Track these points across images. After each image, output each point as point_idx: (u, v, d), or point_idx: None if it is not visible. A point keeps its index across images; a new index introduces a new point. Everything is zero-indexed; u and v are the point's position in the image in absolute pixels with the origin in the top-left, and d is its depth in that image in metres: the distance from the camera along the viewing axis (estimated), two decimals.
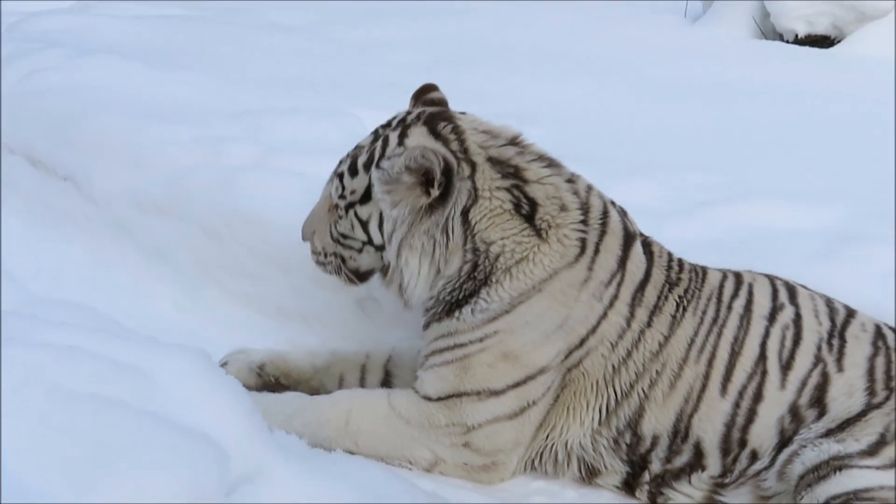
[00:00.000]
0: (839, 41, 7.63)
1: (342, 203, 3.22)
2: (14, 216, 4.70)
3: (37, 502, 2.07)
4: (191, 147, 4.62)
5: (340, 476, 2.66)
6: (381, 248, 3.19)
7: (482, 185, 3.06)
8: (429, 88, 3.40)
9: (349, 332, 3.84)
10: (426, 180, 3.02)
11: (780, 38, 7.87)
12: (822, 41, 7.72)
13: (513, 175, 3.10)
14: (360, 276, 3.34)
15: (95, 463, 2.17)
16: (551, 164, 3.20)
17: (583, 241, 3.10)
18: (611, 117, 5.60)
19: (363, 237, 3.21)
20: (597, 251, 3.10)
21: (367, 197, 3.17)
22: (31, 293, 3.25)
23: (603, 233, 3.13)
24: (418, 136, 3.11)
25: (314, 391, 3.38)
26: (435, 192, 3.02)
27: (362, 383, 3.46)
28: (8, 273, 3.56)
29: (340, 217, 3.24)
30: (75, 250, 4.38)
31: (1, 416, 2.20)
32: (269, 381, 3.42)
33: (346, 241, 3.26)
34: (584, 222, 3.12)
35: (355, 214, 3.20)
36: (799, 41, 7.73)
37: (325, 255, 3.32)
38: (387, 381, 3.47)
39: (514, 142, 3.17)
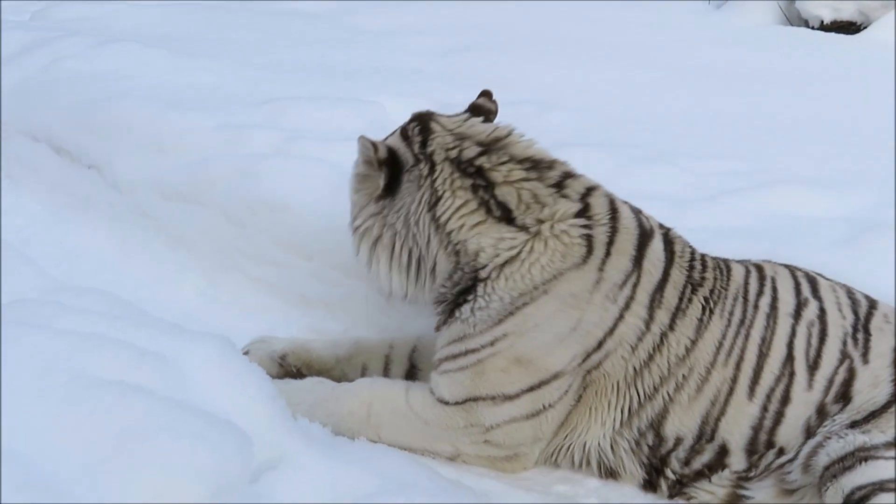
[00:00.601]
0: (865, 27, 7.56)
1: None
2: (38, 203, 4.72)
3: (62, 488, 2.08)
4: (213, 134, 4.63)
5: (363, 463, 2.67)
6: None
7: (440, 184, 3.10)
8: (483, 94, 3.44)
9: (372, 319, 3.84)
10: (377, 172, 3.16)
11: (806, 24, 7.81)
12: (848, 27, 7.66)
13: (475, 175, 3.09)
14: None
15: (120, 449, 2.19)
16: (534, 167, 3.14)
17: (589, 241, 3.05)
18: (633, 104, 5.57)
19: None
20: (608, 252, 3.05)
21: None
22: (54, 280, 3.27)
23: (613, 232, 3.08)
24: (392, 137, 3.25)
25: (336, 381, 3.36)
26: (382, 181, 3.15)
27: (386, 374, 3.45)
28: (32, 260, 3.58)
29: None
30: (99, 237, 4.39)
31: (26, 402, 2.21)
32: (291, 371, 3.42)
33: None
34: (586, 223, 3.07)
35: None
36: (824, 27, 7.67)
37: None
38: (412, 373, 3.46)
39: (487, 145, 3.14)
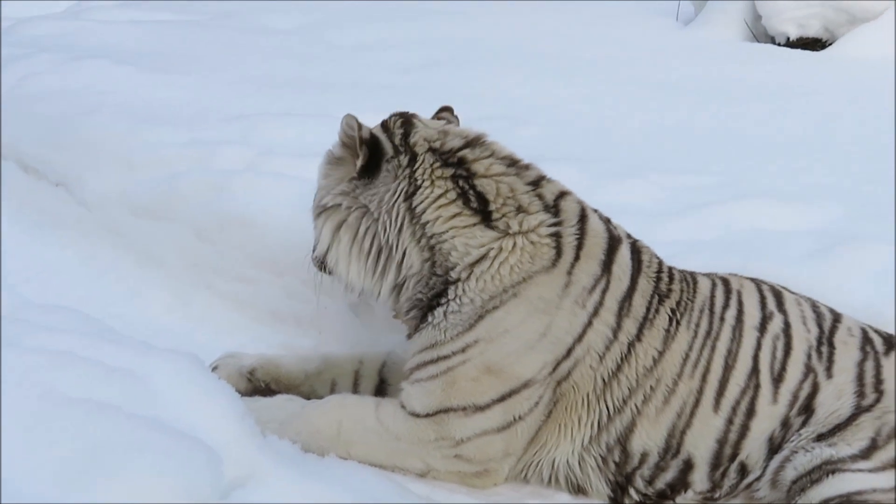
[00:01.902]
0: (830, 43, 7.64)
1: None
2: (7, 221, 4.69)
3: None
4: (183, 150, 4.63)
5: (334, 480, 2.67)
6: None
7: (421, 173, 3.10)
8: (444, 109, 3.47)
9: (343, 335, 3.84)
10: (355, 154, 3.16)
11: (772, 40, 7.88)
12: (814, 43, 7.73)
13: (457, 165, 3.12)
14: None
15: (89, 466, 2.18)
16: (513, 164, 3.19)
17: (558, 244, 3.07)
18: (604, 119, 5.60)
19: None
20: (577, 257, 3.07)
21: None
22: (24, 298, 3.25)
23: (582, 236, 3.10)
24: (373, 127, 3.24)
25: (305, 396, 3.36)
26: (359, 161, 3.12)
27: (355, 389, 3.44)
28: (1, 278, 3.56)
29: None
30: (68, 254, 4.37)
31: None
32: (260, 386, 3.40)
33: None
34: (556, 225, 3.09)
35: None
36: (790, 44, 7.74)
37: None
38: (381, 388, 3.46)
39: (468, 141, 3.19)
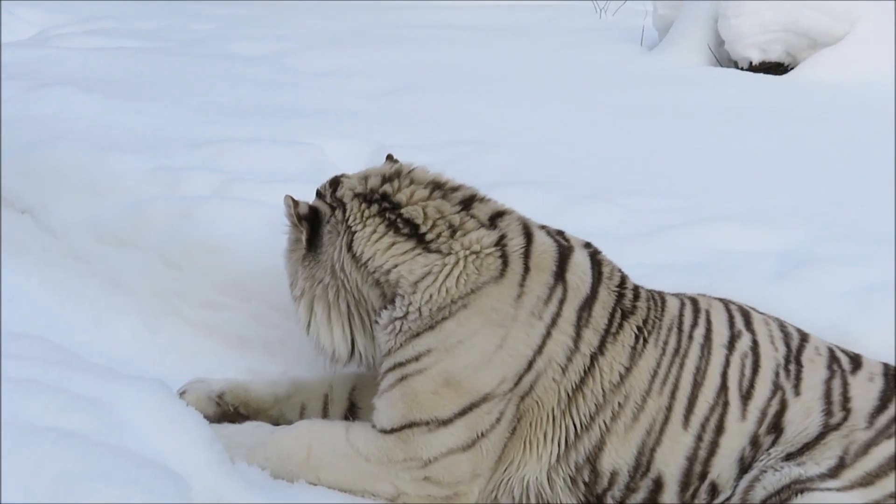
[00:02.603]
0: (792, 68, 7.74)
1: None
2: None
3: None
4: (150, 177, 4.60)
5: None
6: None
7: (353, 219, 3.19)
8: (387, 159, 3.51)
9: (312, 360, 3.81)
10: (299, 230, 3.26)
11: (735, 65, 7.97)
12: (776, 68, 7.83)
13: (380, 200, 3.19)
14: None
15: (55, 496, 2.15)
16: (438, 187, 3.24)
17: (503, 254, 3.09)
18: (570, 143, 5.64)
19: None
20: (526, 268, 3.08)
21: None
22: None
23: (527, 247, 3.12)
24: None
25: (274, 421, 3.35)
26: (304, 235, 3.24)
27: (325, 413, 3.43)
28: None
29: None
30: (33, 282, 4.32)
31: None
32: (229, 410, 3.38)
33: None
34: (498, 239, 3.11)
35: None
36: (753, 68, 7.84)
37: None
38: (352, 411, 3.45)
39: (389, 175, 3.25)
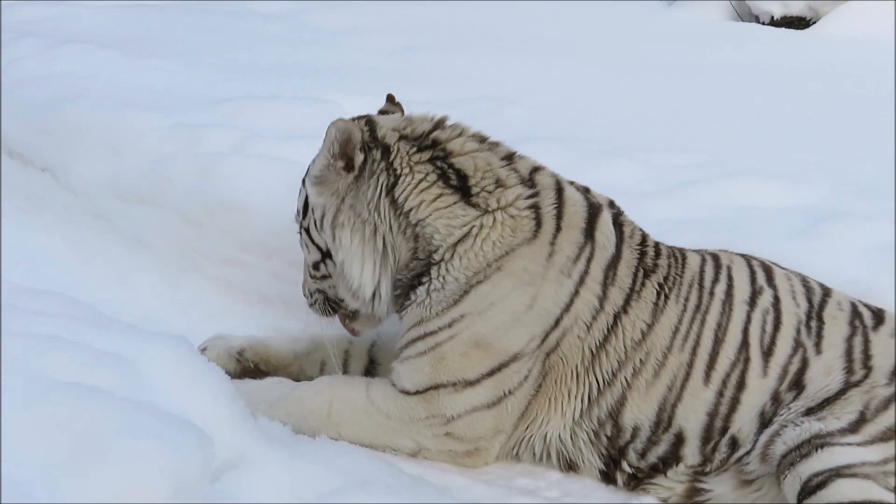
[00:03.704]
0: (815, 22, 7.66)
1: (299, 231, 3.30)
2: None
3: (21, 490, 2.06)
4: (169, 134, 4.60)
5: (325, 461, 2.66)
6: (330, 255, 3.21)
7: (399, 162, 3.10)
8: (388, 100, 3.48)
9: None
10: (347, 159, 3.10)
11: (756, 19, 7.90)
12: (798, 22, 7.75)
13: (432, 147, 3.12)
14: (335, 311, 3.36)
15: (79, 451, 2.16)
16: (484, 141, 3.21)
17: (537, 215, 3.07)
18: (590, 99, 5.61)
19: (317, 252, 3.25)
20: (558, 227, 3.08)
21: (306, 208, 3.25)
22: (11, 283, 3.22)
23: (560, 206, 3.10)
24: None
25: (294, 377, 3.36)
26: (359, 159, 3.08)
27: (345, 370, 3.43)
28: None
29: (304, 247, 3.30)
30: (55, 240, 4.35)
31: None
32: (249, 366, 3.40)
33: (316, 270, 3.30)
34: (533, 197, 3.09)
35: (306, 232, 3.27)
36: (775, 23, 7.77)
37: (311, 296, 3.36)
38: (371, 368, 3.46)
39: (436, 123, 3.20)
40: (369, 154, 3.12)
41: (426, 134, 3.15)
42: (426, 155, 3.11)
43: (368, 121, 3.21)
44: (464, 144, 3.14)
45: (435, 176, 3.09)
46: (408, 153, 3.11)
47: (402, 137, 3.14)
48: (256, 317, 3.89)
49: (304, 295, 3.40)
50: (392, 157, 3.11)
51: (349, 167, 3.12)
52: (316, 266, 3.29)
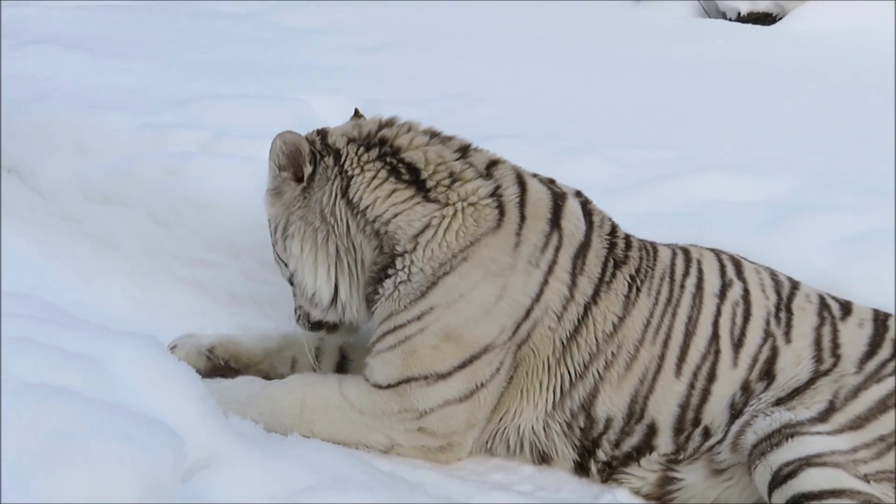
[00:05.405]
0: (780, 18, 7.72)
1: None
2: None
3: None
4: (136, 134, 4.58)
5: (297, 459, 2.65)
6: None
7: (349, 164, 3.14)
8: (354, 115, 3.49)
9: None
10: (295, 170, 3.17)
11: (723, 16, 7.95)
12: (765, 18, 7.81)
13: (379, 144, 3.15)
14: (321, 326, 3.34)
15: (49, 453, 2.15)
16: (435, 136, 3.22)
17: (500, 205, 3.08)
18: (558, 96, 5.62)
19: (284, 267, 3.28)
20: (522, 216, 3.09)
21: (269, 223, 3.31)
22: None
23: (523, 195, 3.12)
24: None
25: (265, 375, 3.36)
26: (308, 169, 3.14)
27: (316, 366, 3.42)
28: None
29: (276, 263, 3.34)
30: (21, 242, 4.30)
31: None
32: (219, 364, 3.38)
33: (291, 286, 3.33)
34: (493, 188, 3.10)
35: (273, 248, 3.31)
36: (741, 19, 7.82)
37: (295, 312, 3.37)
38: (343, 364, 3.45)
39: (383, 122, 3.23)
40: (321, 162, 3.16)
41: (373, 133, 3.18)
42: (374, 153, 3.14)
43: (320, 131, 3.27)
44: (412, 139, 3.17)
45: (386, 172, 3.11)
46: (356, 153, 3.15)
47: (350, 140, 3.17)
48: (226, 316, 3.87)
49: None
50: (342, 160, 3.15)
51: (298, 178, 3.17)
52: (290, 281, 3.31)
